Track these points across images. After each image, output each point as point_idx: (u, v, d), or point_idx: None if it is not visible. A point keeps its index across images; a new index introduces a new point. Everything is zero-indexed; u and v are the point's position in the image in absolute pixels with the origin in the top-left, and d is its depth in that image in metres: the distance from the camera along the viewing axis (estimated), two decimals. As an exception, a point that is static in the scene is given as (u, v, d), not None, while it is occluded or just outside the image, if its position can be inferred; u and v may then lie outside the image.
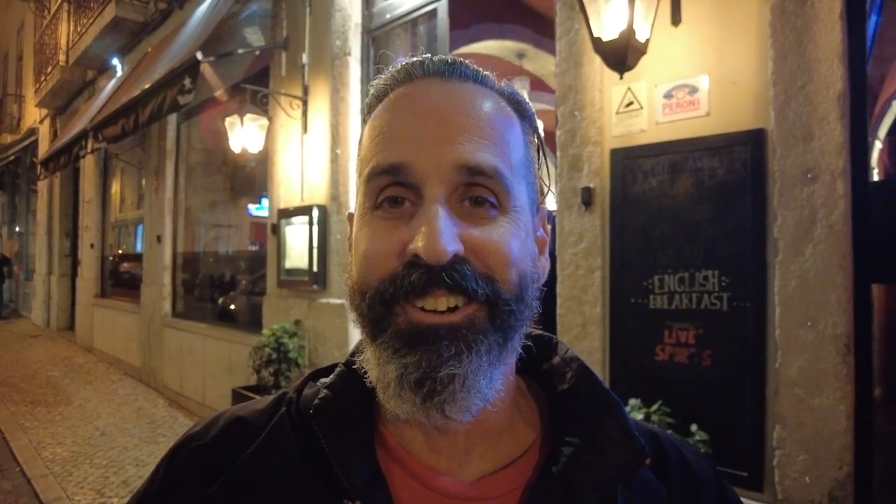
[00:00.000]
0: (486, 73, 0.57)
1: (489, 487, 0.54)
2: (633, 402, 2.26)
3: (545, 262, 0.59)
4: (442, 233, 0.47)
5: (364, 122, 0.59)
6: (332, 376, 0.59)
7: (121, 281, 9.15)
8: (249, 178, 6.32)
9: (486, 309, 0.49)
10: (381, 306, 0.49)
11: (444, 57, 0.56)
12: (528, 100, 0.60)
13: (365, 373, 0.53)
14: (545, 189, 0.61)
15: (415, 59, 0.56)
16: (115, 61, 8.45)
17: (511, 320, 0.50)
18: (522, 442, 0.57)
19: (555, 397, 0.59)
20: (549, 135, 3.73)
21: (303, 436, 0.54)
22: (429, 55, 0.56)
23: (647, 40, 2.26)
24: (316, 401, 0.55)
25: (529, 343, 0.58)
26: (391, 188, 0.51)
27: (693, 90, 2.28)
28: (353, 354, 0.59)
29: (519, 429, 0.57)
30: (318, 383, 0.59)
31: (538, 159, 0.60)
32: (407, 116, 0.52)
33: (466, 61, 0.57)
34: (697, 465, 0.62)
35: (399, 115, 0.53)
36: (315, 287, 4.30)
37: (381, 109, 0.55)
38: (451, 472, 0.54)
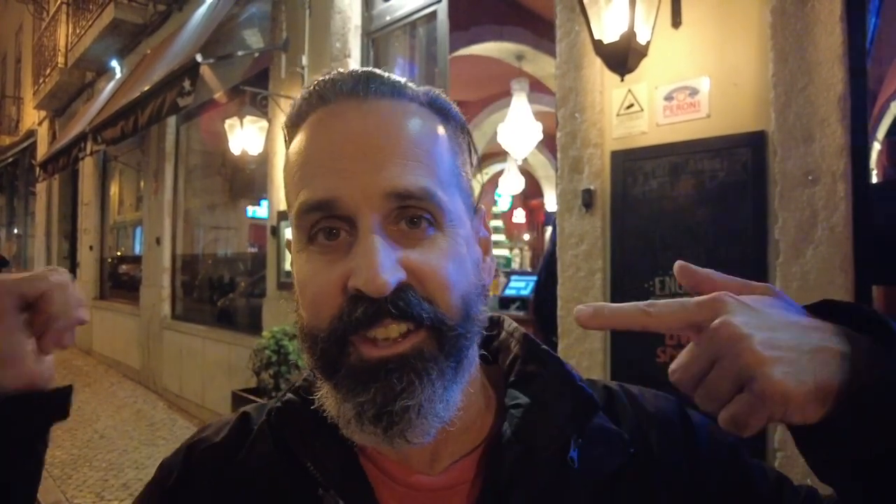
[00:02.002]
0: (401, 81, 0.56)
1: (457, 474, 0.56)
2: (634, 404, 2.26)
3: (490, 263, 0.60)
4: (381, 264, 0.46)
5: (286, 143, 0.58)
6: (300, 380, 0.61)
7: (120, 283, 9.14)
8: (249, 180, 6.31)
9: (433, 335, 0.49)
10: (334, 347, 0.50)
11: (357, 72, 0.54)
12: (453, 103, 0.59)
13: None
14: (476, 187, 0.60)
15: (326, 78, 0.55)
16: (114, 63, 8.44)
17: (460, 342, 0.51)
18: (487, 428, 0.59)
19: (506, 371, 0.61)
20: (549, 137, 3.73)
21: (283, 439, 0.57)
22: (340, 71, 0.55)
23: (648, 42, 2.26)
24: (278, 403, 0.59)
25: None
26: (323, 221, 0.51)
27: (694, 92, 2.28)
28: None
29: (484, 419, 0.59)
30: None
31: (469, 158, 0.59)
32: (327, 145, 0.51)
33: (381, 73, 0.55)
34: (652, 403, 0.62)
35: (319, 144, 0.52)
36: (315, 289, 4.29)
37: (301, 137, 0.54)
38: (422, 470, 0.56)
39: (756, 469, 0.60)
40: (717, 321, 0.42)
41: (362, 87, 0.53)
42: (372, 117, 0.52)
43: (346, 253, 0.49)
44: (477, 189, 0.60)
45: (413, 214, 0.50)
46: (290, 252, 0.59)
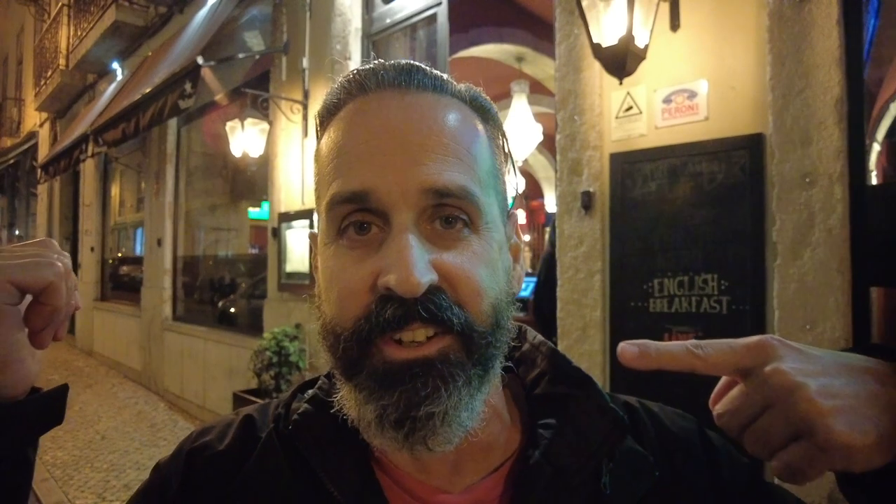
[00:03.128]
0: (444, 77, 0.53)
1: (481, 493, 0.53)
2: (633, 405, 2.27)
3: (520, 271, 0.57)
4: (415, 264, 0.44)
5: (317, 133, 0.55)
6: (314, 388, 0.58)
7: (121, 284, 9.15)
8: (250, 181, 6.33)
9: (460, 341, 0.47)
10: (357, 347, 0.47)
11: (400, 63, 0.52)
12: (492, 102, 0.56)
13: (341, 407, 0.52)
14: (514, 192, 0.59)
15: (368, 66, 0.52)
16: (116, 65, 8.46)
17: (489, 351, 0.48)
18: (512, 444, 0.56)
19: (529, 385, 0.59)
20: (549, 138, 3.74)
21: (293, 449, 0.54)
22: (381, 62, 0.52)
23: (647, 46, 2.28)
24: (295, 416, 0.55)
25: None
26: (356, 214, 0.48)
27: (692, 95, 2.30)
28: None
29: (509, 435, 0.56)
30: (306, 395, 0.58)
31: (504, 161, 0.56)
32: (365, 136, 0.49)
33: (423, 66, 0.53)
34: (673, 422, 0.61)
35: (356, 135, 0.49)
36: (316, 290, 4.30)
37: (336, 126, 0.52)
38: (443, 486, 0.53)
39: (777, 492, 0.58)
40: (768, 368, 0.40)
41: (404, 78, 0.51)
42: (413, 110, 0.49)
43: (377, 249, 0.47)
44: (511, 194, 0.58)
45: (449, 214, 0.48)
46: (314, 247, 0.56)
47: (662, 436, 0.58)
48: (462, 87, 0.54)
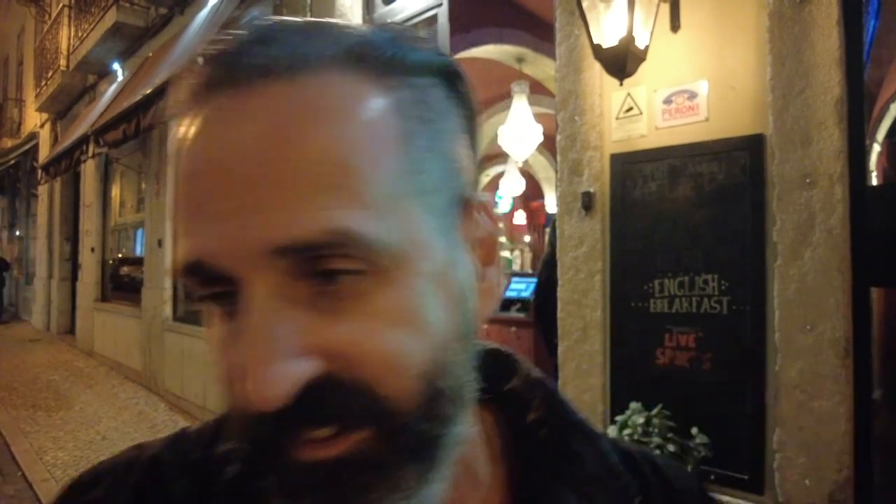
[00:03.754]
0: (312, 29, 0.35)
1: None
2: (633, 405, 2.27)
3: (494, 275, 0.40)
4: (269, 366, 0.30)
5: None
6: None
7: (121, 285, 9.15)
8: (250, 182, 6.34)
9: (381, 433, 0.32)
10: (258, 447, 0.34)
11: (240, 39, 0.34)
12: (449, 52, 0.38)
13: None
14: (472, 160, 0.39)
15: (199, 57, 0.35)
16: (116, 66, 8.47)
17: (426, 437, 0.33)
18: (493, 496, 0.44)
19: (520, 427, 0.47)
20: (550, 138, 3.75)
21: None
22: (220, 38, 0.35)
23: (647, 46, 2.28)
24: (225, 477, 0.39)
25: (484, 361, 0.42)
26: (206, 286, 0.34)
27: (692, 95, 2.30)
28: None
29: (487, 496, 0.44)
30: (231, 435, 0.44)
31: (450, 120, 0.37)
32: (191, 176, 0.33)
33: (277, 26, 0.34)
34: (676, 478, 0.53)
35: (185, 172, 0.33)
36: (316, 291, 4.30)
37: (173, 158, 0.35)
38: None
39: None
40: None
41: (243, 65, 0.32)
42: (252, 124, 0.31)
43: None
44: (469, 158, 0.38)
45: (326, 267, 0.31)
46: None
47: (666, 492, 0.51)
48: (354, 36, 0.34)
